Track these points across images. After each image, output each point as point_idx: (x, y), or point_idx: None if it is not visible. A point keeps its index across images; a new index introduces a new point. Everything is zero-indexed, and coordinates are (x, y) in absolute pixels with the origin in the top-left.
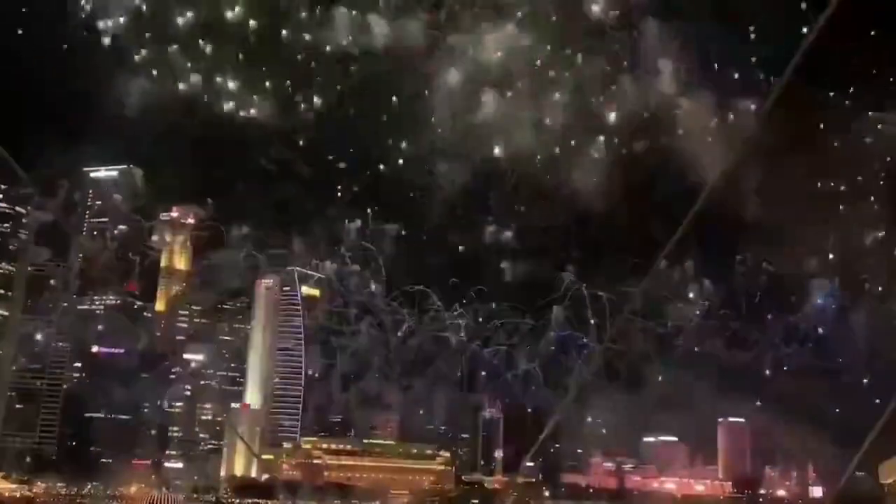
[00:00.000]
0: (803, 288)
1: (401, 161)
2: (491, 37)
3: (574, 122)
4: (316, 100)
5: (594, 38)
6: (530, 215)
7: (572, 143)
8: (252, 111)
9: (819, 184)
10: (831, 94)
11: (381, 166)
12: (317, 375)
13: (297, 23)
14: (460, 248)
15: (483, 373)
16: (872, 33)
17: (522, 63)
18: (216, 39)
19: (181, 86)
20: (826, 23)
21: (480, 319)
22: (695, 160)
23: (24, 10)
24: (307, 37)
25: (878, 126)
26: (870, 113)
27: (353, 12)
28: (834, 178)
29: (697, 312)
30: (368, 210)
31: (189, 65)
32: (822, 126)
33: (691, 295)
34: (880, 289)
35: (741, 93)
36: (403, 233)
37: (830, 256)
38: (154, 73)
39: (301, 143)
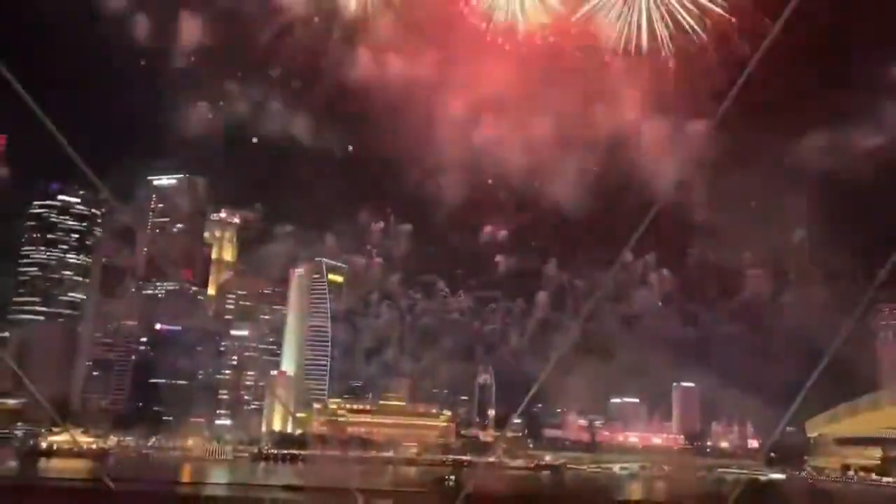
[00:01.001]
0: (741, 277)
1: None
2: (488, 74)
3: (554, 142)
4: (345, 123)
5: (572, 74)
6: (520, 218)
7: (553, 160)
8: (294, 132)
9: (754, 192)
10: (764, 119)
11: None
12: (341, 348)
13: (328, 62)
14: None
15: (481, 346)
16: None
17: (513, 95)
18: (265, 76)
19: (236, 111)
20: (759, 61)
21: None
22: (653, 172)
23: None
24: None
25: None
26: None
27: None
28: (765, 189)
29: (656, 297)
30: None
31: (242, 95)
32: (756, 146)
33: (651, 282)
34: (801, 277)
35: (691, 118)
36: (417, 232)
37: (763, 251)
38: (214, 101)
39: (335, 159)
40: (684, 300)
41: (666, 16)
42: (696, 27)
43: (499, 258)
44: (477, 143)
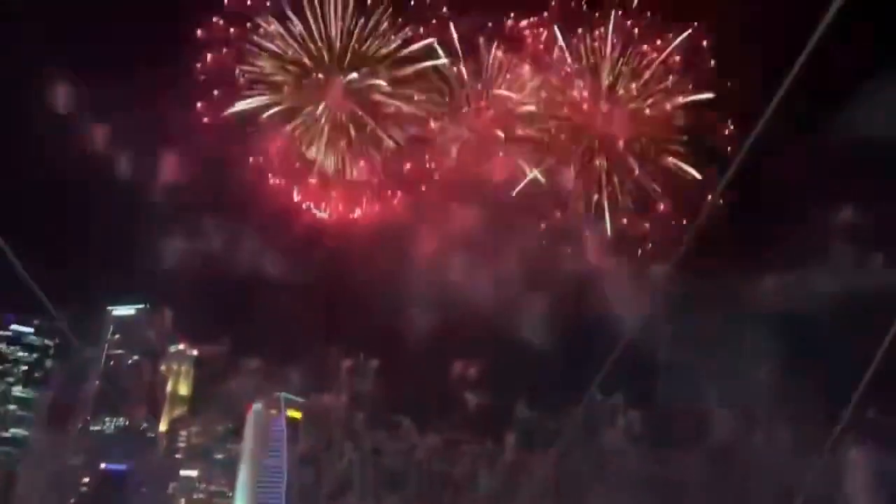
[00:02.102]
0: (709, 417)
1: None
2: (458, 217)
3: (522, 281)
4: (313, 260)
5: (533, 216)
6: (488, 356)
7: (521, 298)
8: (265, 267)
9: (717, 332)
10: (723, 261)
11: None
12: (298, 490)
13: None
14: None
15: (449, 489)
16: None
17: (483, 236)
18: (237, 213)
19: (206, 245)
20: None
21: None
22: (618, 311)
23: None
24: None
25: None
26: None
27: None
28: (728, 329)
29: (625, 438)
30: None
31: (214, 230)
32: (716, 288)
33: (619, 423)
34: (768, 418)
35: (652, 259)
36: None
37: (728, 392)
38: (184, 235)
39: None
40: (653, 441)
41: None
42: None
43: (468, 396)
44: (447, 281)
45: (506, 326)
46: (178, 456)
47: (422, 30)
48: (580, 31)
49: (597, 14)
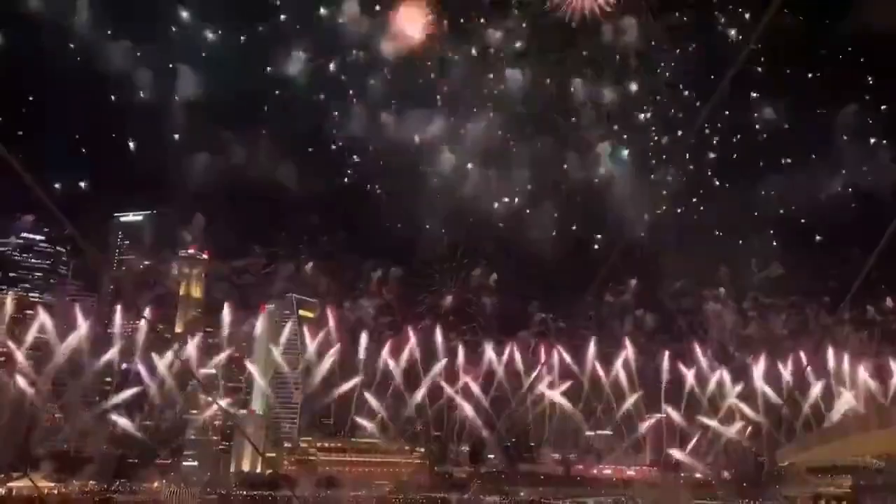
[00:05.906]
0: (708, 312)
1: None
2: (473, 127)
3: (536, 193)
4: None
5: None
6: (506, 263)
7: (536, 208)
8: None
9: (721, 234)
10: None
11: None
12: (315, 385)
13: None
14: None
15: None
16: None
17: (497, 146)
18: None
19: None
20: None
21: None
22: (626, 216)
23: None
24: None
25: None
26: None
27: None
28: (732, 230)
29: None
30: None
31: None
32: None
33: (626, 321)
34: (766, 310)
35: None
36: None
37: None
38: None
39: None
40: (658, 337)
41: None
42: None
43: (486, 300)
44: (464, 193)
45: (522, 236)
46: (195, 355)
47: None
48: None
49: None
